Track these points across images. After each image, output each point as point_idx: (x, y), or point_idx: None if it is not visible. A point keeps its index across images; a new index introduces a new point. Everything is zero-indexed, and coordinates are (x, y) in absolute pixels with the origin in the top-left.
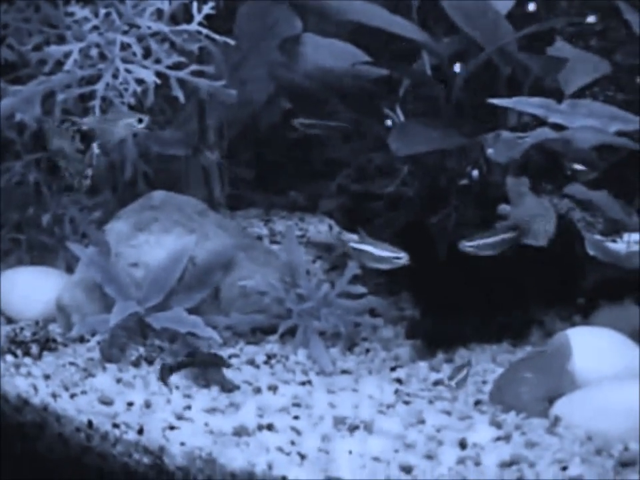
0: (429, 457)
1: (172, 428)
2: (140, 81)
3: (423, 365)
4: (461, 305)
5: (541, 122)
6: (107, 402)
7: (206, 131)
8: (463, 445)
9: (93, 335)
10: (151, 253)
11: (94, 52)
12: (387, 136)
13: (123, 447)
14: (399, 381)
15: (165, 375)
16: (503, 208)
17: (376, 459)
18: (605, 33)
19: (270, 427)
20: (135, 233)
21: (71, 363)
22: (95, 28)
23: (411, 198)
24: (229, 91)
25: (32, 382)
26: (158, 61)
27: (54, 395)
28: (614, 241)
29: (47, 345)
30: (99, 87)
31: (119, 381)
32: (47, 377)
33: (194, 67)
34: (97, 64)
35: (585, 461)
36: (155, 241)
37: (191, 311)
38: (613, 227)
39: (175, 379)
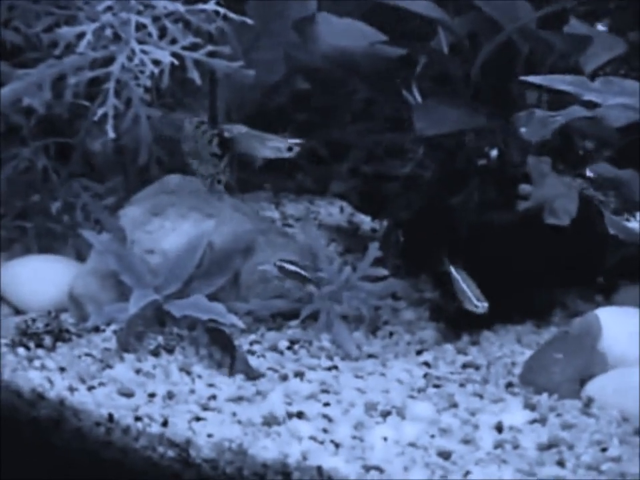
0: (466, 441)
1: (198, 419)
2: (156, 62)
3: (449, 348)
4: (482, 286)
5: (558, 101)
6: (127, 394)
7: (216, 114)
8: (499, 428)
9: (109, 324)
10: (167, 239)
11: (108, 33)
12: (404, 116)
13: (146, 440)
14: (426, 364)
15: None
16: (524, 188)
17: (412, 445)
18: (617, 12)
19: (300, 415)
20: (150, 218)
21: (87, 354)
22: (109, 8)
23: (428, 179)
24: (247, 72)
25: (46, 375)
26: (174, 42)
27: (71, 389)
28: (627, 220)
29: (61, 335)
30: (114, 69)
31: (138, 371)
32: (62, 369)
33: (210, 48)
34: (109, 46)
35: (623, 442)
36: (171, 226)
37: (210, 298)
38: (625, 206)
39: (197, 367)
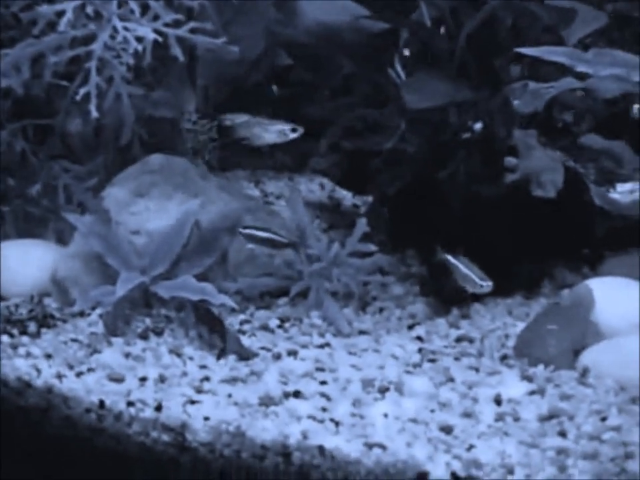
0: (467, 415)
1: (192, 402)
2: (140, 39)
3: (441, 322)
4: (470, 259)
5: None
6: (117, 379)
7: (195, 92)
8: (498, 401)
9: (94, 308)
10: (153, 220)
11: (89, 10)
12: (386, 91)
13: (139, 425)
14: (419, 338)
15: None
16: (509, 161)
17: (413, 421)
18: None
19: (297, 394)
20: (134, 199)
21: (73, 340)
22: None
23: (413, 154)
24: (231, 48)
25: (33, 363)
26: (155, 19)
27: (59, 376)
28: (608, 191)
29: (45, 321)
30: (96, 47)
31: (127, 355)
32: (48, 356)
33: (192, 24)
34: (89, 24)
35: (622, 410)
36: (156, 206)
37: (198, 278)
38: (605, 178)
39: (188, 349)
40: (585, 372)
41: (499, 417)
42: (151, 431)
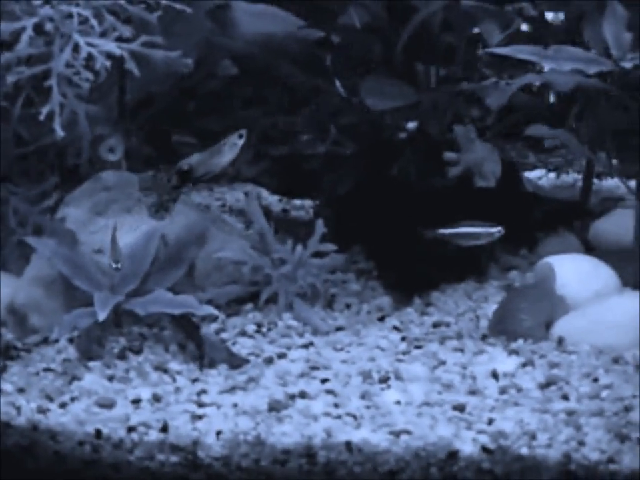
0: (473, 392)
1: (199, 417)
2: (109, 56)
3: (409, 311)
4: (421, 250)
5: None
6: (107, 404)
7: (124, 106)
8: (495, 376)
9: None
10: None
11: (49, 27)
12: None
13: (142, 450)
14: (397, 328)
15: None
16: (449, 155)
17: (426, 404)
18: None
19: (303, 395)
20: (93, 217)
21: (46, 369)
22: (47, 1)
23: (354, 155)
24: (185, 61)
25: (7, 400)
26: (104, 34)
27: (41, 410)
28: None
29: (8, 353)
30: (59, 64)
31: (111, 378)
32: (21, 390)
33: (145, 38)
34: (52, 40)
35: (608, 370)
36: (117, 223)
37: (168, 291)
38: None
39: (173, 364)
40: (560, 341)
41: (503, 390)
42: (157, 453)
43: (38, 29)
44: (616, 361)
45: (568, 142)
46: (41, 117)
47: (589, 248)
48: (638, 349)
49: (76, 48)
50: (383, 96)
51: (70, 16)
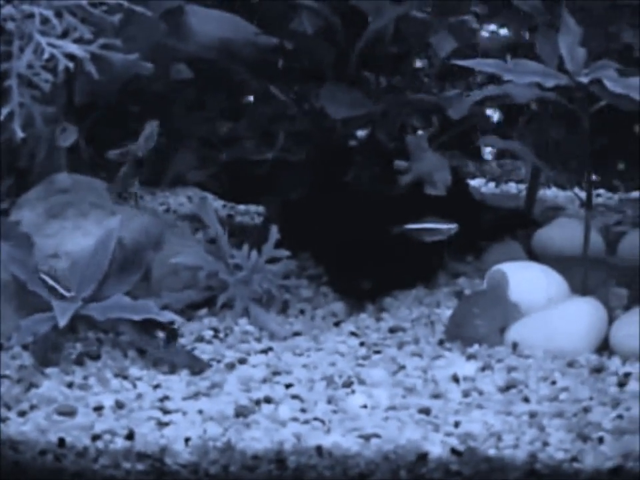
0: (436, 396)
1: (164, 424)
2: (71, 57)
3: (363, 317)
4: (371, 257)
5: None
6: (68, 412)
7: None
8: (456, 379)
9: (8, 339)
10: (71, 241)
11: (10, 26)
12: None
13: (107, 459)
14: (354, 334)
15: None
16: (399, 164)
17: (392, 408)
18: None
19: (268, 400)
20: (47, 220)
21: (2, 376)
22: (8, 1)
23: (304, 161)
24: (144, 64)
25: None
26: (65, 35)
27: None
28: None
29: None
30: (21, 64)
31: (70, 385)
32: None
33: (103, 41)
34: (12, 40)
35: (564, 374)
36: (73, 226)
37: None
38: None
39: (133, 370)
40: (515, 346)
41: (465, 394)
42: (123, 462)
43: None
44: (571, 364)
45: (521, 153)
46: (1, 117)
47: (533, 256)
48: (591, 353)
49: (37, 49)
50: (342, 104)
51: (31, 16)
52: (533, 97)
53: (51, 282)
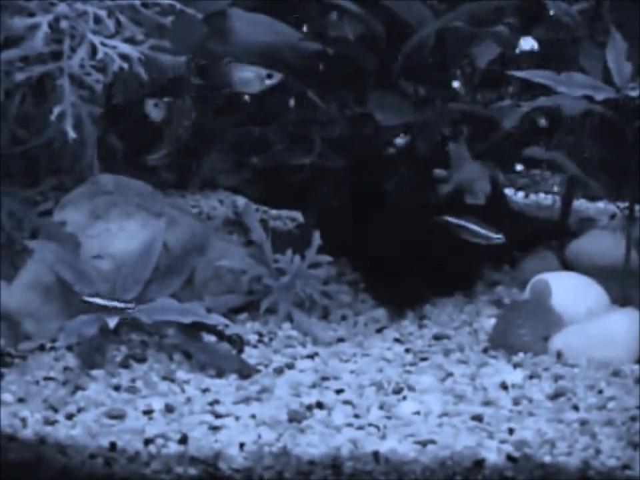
0: (487, 403)
1: (217, 428)
2: (125, 57)
3: (405, 324)
4: (410, 264)
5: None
6: (118, 415)
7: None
8: (505, 387)
9: (53, 340)
10: (115, 242)
11: (64, 24)
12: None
13: (159, 464)
14: (398, 341)
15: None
16: (439, 172)
17: (445, 415)
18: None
19: (320, 406)
20: (91, 221)
21: (46, 378)
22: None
23: (344, 168)
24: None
25: (9, 411)
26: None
27: (48, 421)
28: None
29: (2, 360)
30: (73, 64)
31: (117, 387)
32: (21, 400)
33: (153, 41)
34: (64, 39)
35: (610, 383)
36: (117, 228)
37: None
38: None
39: (180, 373)
40: (559, 355)
41: (515, 401)
42: (175, 466)
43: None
44: (616, 374)
45: (563, 164)
46: (52, 117)
47: (567, 266)
48: (634, 363)
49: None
50: (391, 111)
51: (84, 14)
52: (582, 109)
53: (97, 284)
